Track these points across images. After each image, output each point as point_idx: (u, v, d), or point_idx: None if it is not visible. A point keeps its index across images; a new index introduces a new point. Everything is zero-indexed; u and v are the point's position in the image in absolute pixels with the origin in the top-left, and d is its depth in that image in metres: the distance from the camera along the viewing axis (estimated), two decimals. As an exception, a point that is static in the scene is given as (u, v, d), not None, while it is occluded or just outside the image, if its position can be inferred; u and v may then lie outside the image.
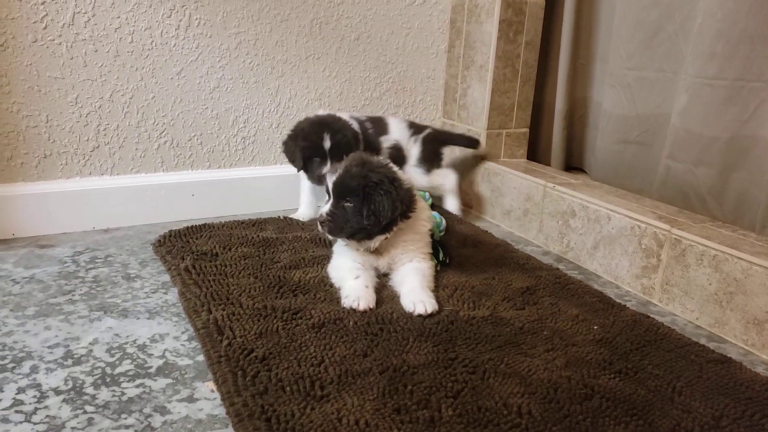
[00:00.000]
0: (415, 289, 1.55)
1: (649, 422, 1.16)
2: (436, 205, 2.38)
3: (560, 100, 2.43)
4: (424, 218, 1.76)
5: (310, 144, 1.94)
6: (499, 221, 2.30)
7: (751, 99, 1.77)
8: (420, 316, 1.48)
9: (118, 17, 1.93)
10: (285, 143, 2.03)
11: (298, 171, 2.03)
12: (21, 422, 1.14)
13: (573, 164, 2.58)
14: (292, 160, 2.02)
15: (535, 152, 2.57)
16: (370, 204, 1.56)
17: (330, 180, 1.60)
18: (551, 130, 2.50)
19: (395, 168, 1.70)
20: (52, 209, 1.96)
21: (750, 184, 1.81)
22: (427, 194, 2.25)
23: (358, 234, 1.61)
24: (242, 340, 1.33)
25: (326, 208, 1.60)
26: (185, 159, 2.15)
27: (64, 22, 1.86)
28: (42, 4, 1.82)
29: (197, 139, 2.15)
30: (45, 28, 1.84)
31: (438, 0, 2.43)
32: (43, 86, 1.88)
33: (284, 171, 2.30)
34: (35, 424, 1.14)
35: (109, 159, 2.03)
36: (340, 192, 1.58)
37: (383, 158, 1.75)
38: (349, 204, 1.58)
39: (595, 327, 1.49)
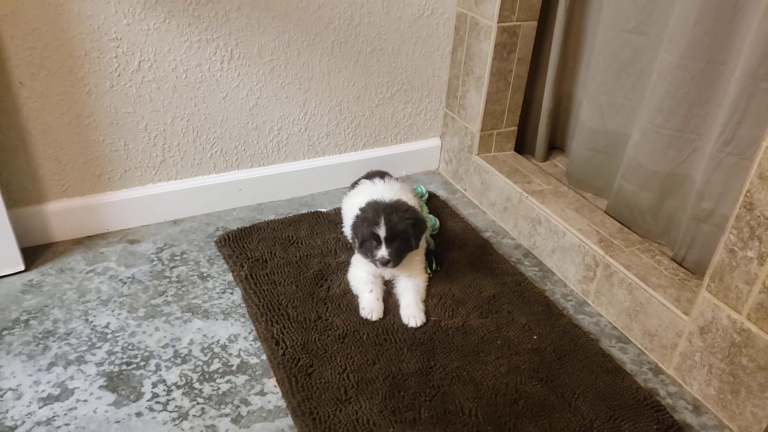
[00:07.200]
0: (410, 304, 1.92)
1: (550, 423, 1.51)
2: (432, 199, 2.83)
3: (547, 100, 2.81)
4: (423, 238, 2.28)
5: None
6: (486, 209, 2.82)
7: (685, 147, 2.20)
8: (412, 327, 1.84)
9: (174, 60, 2.33)
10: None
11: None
12: (161, 411, 1.54)
13: (556, 145, 3.02)
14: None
15: (523, 140, 2.99)
16: (417, 238, 2.04)
17: (381, 232, 1.96)
18: (537, 126, 2.90)
19: (409, 202, 2.16)
20: (134, 208, 2.53)
21: (677, 209, 2.29)
22: (422, 187, 2.74)
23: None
24: (292, 351, 1.67)
25: (384, 251, 1.96)
26: (232, 162, 2.65)
27: (133, 69, 2.28)
28: (115, 57, 2.23)
29: (241, 147, 2.63)
30: (118, 75, 2.27)
31: (444, 10, 2.73)
32: (120, 120, 2.35)
33: (308, 165, 2.81)
34: (170, 412, 1.54)
35: (173, 168, 2.55)
36: (393, 237, 1.97)
37: (397, 198, 2.14)
38: (400, 242, 2.00)
39: (535, 336, 1.80)
